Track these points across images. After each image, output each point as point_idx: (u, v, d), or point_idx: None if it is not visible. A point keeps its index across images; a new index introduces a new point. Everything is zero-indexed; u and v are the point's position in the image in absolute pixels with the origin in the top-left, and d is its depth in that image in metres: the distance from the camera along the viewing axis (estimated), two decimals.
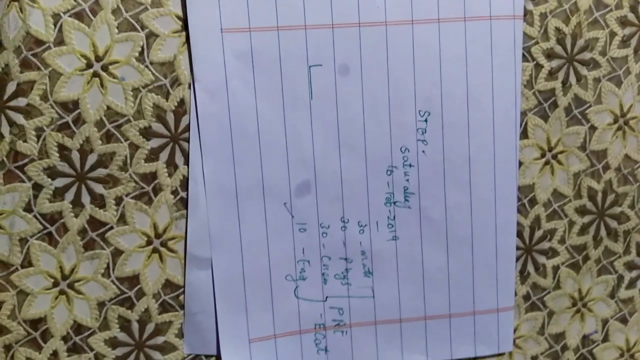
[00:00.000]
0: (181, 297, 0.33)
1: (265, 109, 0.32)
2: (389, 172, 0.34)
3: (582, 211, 0.37)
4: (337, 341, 0.35)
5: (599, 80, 0.37)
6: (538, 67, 0.35)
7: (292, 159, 0.33)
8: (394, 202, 0.35)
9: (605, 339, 0.39)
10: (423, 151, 0.34)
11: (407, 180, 0.35)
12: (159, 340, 0.33)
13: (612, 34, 0.36)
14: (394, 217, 0.35)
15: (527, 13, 0.35)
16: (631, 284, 0.39)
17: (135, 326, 0.33)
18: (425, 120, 0.34)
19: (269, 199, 0.33)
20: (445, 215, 0.35)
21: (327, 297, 0.35)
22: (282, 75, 0.32)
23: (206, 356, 0.34)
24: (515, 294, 0.37)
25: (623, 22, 0.36)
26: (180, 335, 0.33)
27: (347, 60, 0.33)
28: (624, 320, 0.39)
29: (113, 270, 0.32)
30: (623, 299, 0.39)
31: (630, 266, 0.39)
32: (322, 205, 0.34)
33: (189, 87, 0.31)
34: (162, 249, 0.32)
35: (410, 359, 0.36)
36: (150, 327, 0.33)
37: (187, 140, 0.32)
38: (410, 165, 0.34)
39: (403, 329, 0.36)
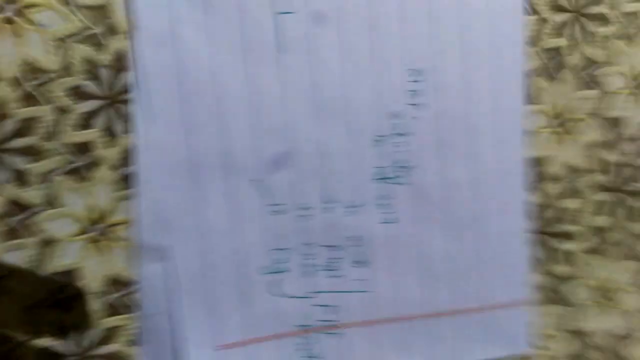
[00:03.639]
0: (131, 296, 0.26)
1: (224, 64, 0.26)
2: (377, 143, 0.29)
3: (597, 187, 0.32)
4: (327, 345, 0.29)
5: None
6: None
7: (259, 126, 0.27)
8: (384, 178, 0.29)
9: (631, 335, 0.34)
10: (414, 117, 0.29)
11: (398, 152, 0.29)
12: (110, 348, 0.27)
13: None
14: (385, 195, 0.29)
15: None
16: None
17: (73, 332, 0.26)
18: (417, 82, 0.29)
19: (234, 174, 0.27)
20: (445, 189, 0.29)
21: (311, 293, 0.29)
22: (243, 22, 0.27)
23: None
24: (528, 285, 0.32)
25: None
26: (133, 342, 0.27)
27: (323, 6, 0.27)
28: None
29: (44, 263, 0.25)
30: None
31: None
32: (299, 182, 0.28)
33: (127, 37, 0.25)
34: (105, 237, 0.26)
35: None
36: (97, 334, 0.26)
37: (127, 102, 0.26)
38: (400, 134, 0.29)
39: (402, 329, 0.30)
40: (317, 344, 0.29)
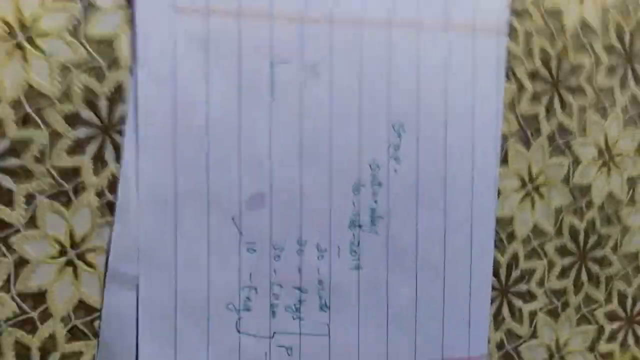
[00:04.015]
0: (96, 323, 0.27)
1: (218, 106, 0.28)
2: (355, 191, 0.30)
3: (562, 252, 0.34)
4: None
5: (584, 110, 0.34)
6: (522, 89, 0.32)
7: (245, 165, 0.28)
8: (360, 226, 0.30)
9: None
10: (395, 170, 0.30)
11: (376, 201, 0.30)
12: None
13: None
14: (358, 242, 0.30)
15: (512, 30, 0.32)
16: (612, 337, 0.35)
17: (35, 355, 0.27)
18: (399, 136, 0.30)
19: (215, 210, 0.28)
20: (416, 241, 0.31)
21: (274, 333, 0.29)
22: (241, 69, 0.28)
23: None
24: (488, 342, 0.33)
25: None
26: None
27: (316, 60, 0.29)
28: None
29: (14, 283, 0.26)
30: (603, 353, 0.35)
31: (611, 317, 0.35)
32: (277, 222, 0.29)
33: (130, 72, 0.27)
34: (79, 262, 0.27)
35: None
36: (54, 358, 0.27)
37: (121, 133, 0.27)
38: (379, 184, 0.30)
39: None
40: None
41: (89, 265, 0.27)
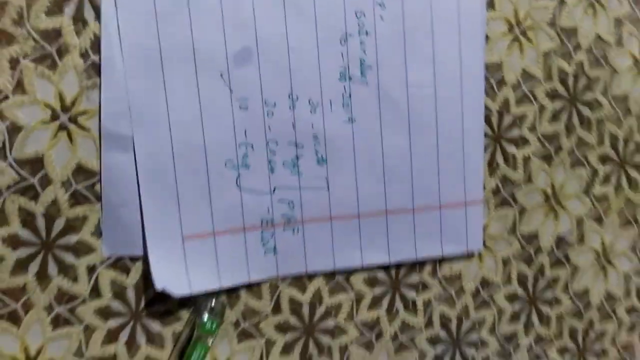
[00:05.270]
0: (97, 187, 0.28)
1: None
2: (343, 42, 0.30)
3: (553, 96, 0.34)
4: (288, 240, 0.30)
5: None
6: None
7: (229, 20, 0.28)
8: (350, 78, 0.30)
9: (581, 240, 0.36)
10: (381, 16, 0.30)
11: (364, 51, 0.30)
12: (72, 239, 0.28)
13: None
14: (350, 95, 0.30)
15: None
16: (606, 180, 0.36)
17: (40, 222, 0.27)
18: None
19: (202, 66, 0.28)
20: (407, 93, 0.31)
21: (274, 189, 0.30)
22: None
23: (131, 258, 0.28)
24: (484, 188, 0.33)
25: None
26: (98, 233, 0.28)
27: None
28: (599, 220, 0.36)
29: (10, 151, 0.26)
30: (598, 195, 0.36)
31: (604, 159, 0.36)
32: (266, 78, 0.29)
33: None
34: (72, 126, 0.27)
35: (370, 258, 0.32)
36: (59, 223, 0.27)
37: None
38: (366, 33, 0.30)
39: (362, 225, 0.31)
40: (279, 238, 0.30)
41: (83, 128, 0.27)
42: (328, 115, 0.30)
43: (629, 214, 0.37)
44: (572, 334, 0.36)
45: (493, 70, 0.33)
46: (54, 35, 0.26)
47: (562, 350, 0.36)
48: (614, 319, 0.37)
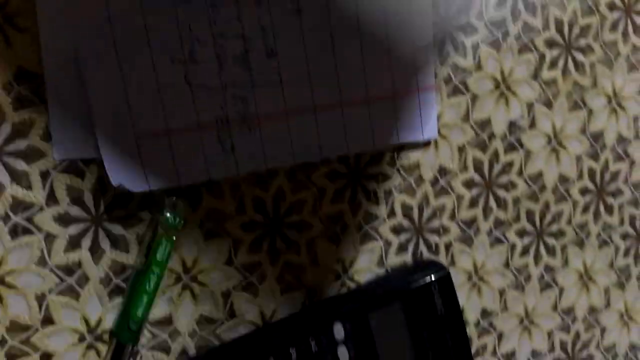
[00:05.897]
0: (37, 89, 0.27)
1: None
2: None
3: None
4: (245, 137, 0.30)
5: None
6: None
7: None
8: None
9: (532, 125, 0.37)
10: None
11: None
12: (20, 145, 0.27)
13: None
14: None
15: None
16: (553, 65, 0.37)
17: None
18: None
19: None
20: None
21: (225, 85, 0.30)
22: None
23: (84, 162, 0.28)
24: (436, 77, 0.34)
25: None
26: (48, 136, 0.27)
27: None
28: (548, 104, 0.37)
29: None
30: (546, 80, 0.37)
31: (550, 44, 0.36)
32: None
33: None
34: (7, 26, 0.26)
35: (330, 152, 0.32)
36: (5, 129, 0.27)
37: None
38: None
39: (318, 117, 0.31)
40: (237, 137, 0.30)
41: (19, 30, 0.26)
42: (274, 5, 0.30)
43: (577, 97, 0.38)
44: (529, 217, 0.38)
45: None
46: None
47: (521, 233, 0.37)
48: (569, 200, 0.39)
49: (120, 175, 0.27)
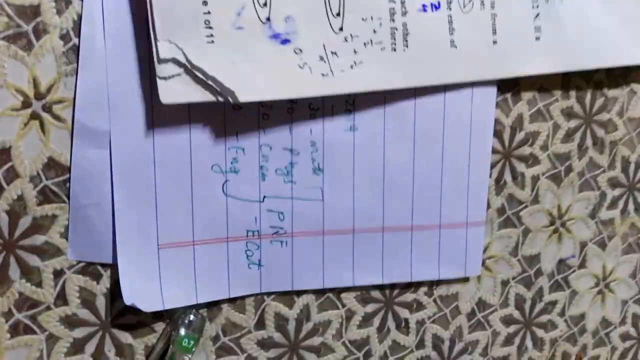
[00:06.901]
0: (61, 186, 0.25)
1: None
2: None
3: (569, 114, 0.32)
4: (275, 253, 0.28)
5: None
6: None
7: None
8: None
9: (582, 264, 0.34)
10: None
11: None
12: (38, 240, 0.25)
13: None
14: (354, 101, 0.28)
15: None
16: (613, 204, 0.34)
17: (3, 219, 0.24)
18: None
19: None
20: (414, 103, 0.28)
21: (264, 197, 0.27)
22: None
23: (102, 264, 0.26)
24: (489, 206, 0.31)
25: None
26: (68, 235, 0.25)
27: None
28: (602, 245, 0.34)
29: None
30: (604, 220, 0.34)
31: (614, 183, 0.34)
32: None
33: None
34: (45, 115, 0.24)
35: (363, 278, 0.29)
36: (25, 222, 0.25)
37: None
38: None
39: (356, 241, 0.29)
40: (265, 251, 0.28)
41: (58, 119, 0.24)
42: (329, 122, 0.28)
43: (632, 240, 0.35)
44: (565, 359, 0.35)
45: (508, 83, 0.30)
46: (31, 12, 0.23)
47: None
48: (608, 345, 0.36)
49: (134, 291, 0.25)
